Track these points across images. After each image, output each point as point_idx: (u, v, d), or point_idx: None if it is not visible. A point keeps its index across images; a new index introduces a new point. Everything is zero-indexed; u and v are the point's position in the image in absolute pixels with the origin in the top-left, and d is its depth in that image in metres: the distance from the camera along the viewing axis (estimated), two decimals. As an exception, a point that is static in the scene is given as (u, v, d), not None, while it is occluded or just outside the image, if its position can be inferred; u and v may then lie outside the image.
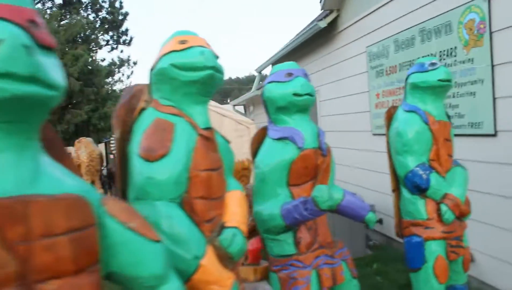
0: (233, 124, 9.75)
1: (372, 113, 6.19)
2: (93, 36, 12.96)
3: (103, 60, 14.20)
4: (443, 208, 2.98)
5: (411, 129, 3.05)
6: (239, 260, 2.07)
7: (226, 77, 2.21)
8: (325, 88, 7.71)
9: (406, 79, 3.26)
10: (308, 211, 2.50)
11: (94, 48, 13.05)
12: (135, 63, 15.27)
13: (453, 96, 4.41)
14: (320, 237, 2.73)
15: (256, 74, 11.39)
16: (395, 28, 5.41)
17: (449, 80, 3.06)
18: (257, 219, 2.77)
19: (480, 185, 4.14)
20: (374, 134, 6.15)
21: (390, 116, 3.31)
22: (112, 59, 14.39)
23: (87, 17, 12.21)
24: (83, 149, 6.96)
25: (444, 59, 4.51)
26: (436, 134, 3.05)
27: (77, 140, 7.17)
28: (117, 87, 17.27)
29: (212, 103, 10.20)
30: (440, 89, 3.07)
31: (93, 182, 7.00)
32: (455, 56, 4.35)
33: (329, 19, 6.89)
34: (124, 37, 13.68)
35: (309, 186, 2.73)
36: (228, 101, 16.11)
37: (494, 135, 3.93)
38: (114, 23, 13.01)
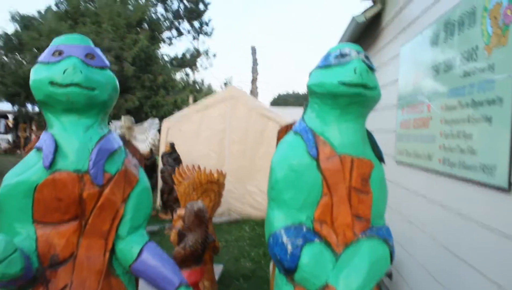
0: (277, 127, 8.71)
1: (397, 133, 4.74)
2: (174, 23, 12.78)
3: (188, 51, 13.96)
4: (313, 309, 1.70)
5: (283, 163, 1.81)
6: None
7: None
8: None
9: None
10: None
11: (173, 37, 12.85)
12: (214, 55, 14.84)
13: (468, 121, 2.91)
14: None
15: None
16: (423, 22, 3.96)
17: (361, 85, 1.74)
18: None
19: (480, 262, 2.66)
20: (397, 162, 4.69)
21: (282, 138, 2.06)
22: (189, 49, 14.13)
23: (169, 6, 12.07)
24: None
25: (464, 64, 3.02)
26: (330, 178, 1.77)
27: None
28: (191, 77, 17.24)
29: (259, 104, 9.24)
30: (345, 99, 1.78)
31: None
32: (475, 60, 2.86)
33: (370, 12, 5.51)
34: (205, 28, 13.25)
35: (71, 229, 1.73)
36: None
37: (507, 190, 2.41)
38: (195, 13, 12.67)
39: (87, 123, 1.81)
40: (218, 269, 5.44)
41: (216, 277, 5.17)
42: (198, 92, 17.22)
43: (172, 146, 8.57)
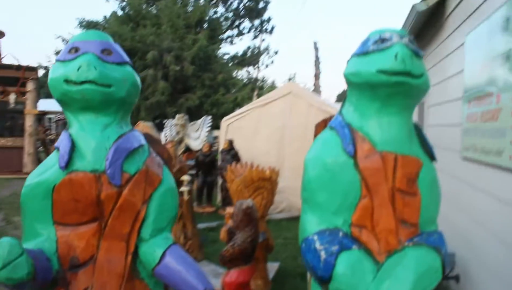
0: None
1: (463, 128, 4.37)
2: (236, 22, 12.86)
3: (249, 49, 14.02)
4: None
5: (316, 162, 1.65)
6: None
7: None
8: (432, 91, 5.92)
9: (347, 68, 1.79)
10: None
11: (233, 36, 12.96)
12: (276, 52, 14.75)
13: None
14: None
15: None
16: (492, 5, 3.60)
17: (403, 73, 1.54)
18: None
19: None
20: (464, 158, 4.34)
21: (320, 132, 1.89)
22: (249, 47, 14.18)
23: (229, 6, 12.16)
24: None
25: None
26: (370, 178, 1.59)
27: (137, 123, 6.86)
28: (253, 74, 17.36)
29: (319, 100, 9.00)
30: (385, 89, 1.58)
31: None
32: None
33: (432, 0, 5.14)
34: (266, 25, 13.20)
35: (91, 231, 1.68)
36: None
37: None
38: (255, 11, 12.63)
39: (104, 121, 1.74)
40: (273, 267, 5.32)
41: (271, 275, 5.05)
42: (261, 89, 17.26)
43: (230, 143, 8.57)
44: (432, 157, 1.71)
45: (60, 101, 1.75)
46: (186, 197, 5.47)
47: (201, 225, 7.27)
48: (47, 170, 1.69)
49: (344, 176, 1.60)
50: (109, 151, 1.68)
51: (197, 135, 5.88)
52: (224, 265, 4.01)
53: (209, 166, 8.64)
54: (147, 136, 1.94)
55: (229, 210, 4.19)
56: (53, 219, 1.68)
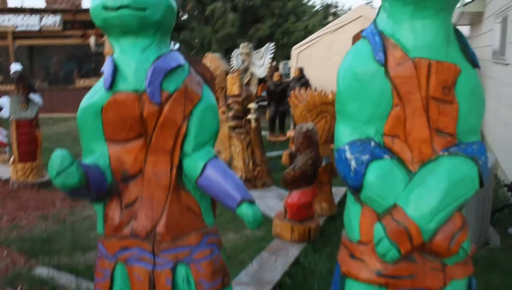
0: None
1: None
2: None
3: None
4: (377, 232, 1.57)
5: (347, 73, 1.65)
6: None
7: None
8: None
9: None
10: None
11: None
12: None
13: None
14: (140, 221, 1.86)
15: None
16: None
17: None
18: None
19: None
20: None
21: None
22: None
23: None
24: (208, 65, 6.76)
25: None
26: (402, 87, 1.57)
27: (205, 55, 6.97)
28: (326, 0, 16.58)
29: (368, 9, 8.52)
30: None
31: (217, 99, 6.81)
32: None
33: None
34: None
35: (138, 146, 1.87)
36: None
37: None
38: None
39: (144, 44, 1.82)
40: (340, 191, 5.40)
41: (338, 199, 5.15)
42: (335, 15, 16.58)
43: (301, 70, 8.49)
44: (474, 64, 1.61)
45: (102, 28, 1.87)
46: (253, 124, 5.61)
47: (273, 153, 7.46)
48: (96, 93, 1.86)
49: (375, 85, 1.57)
50: (148, 71, 1.79)
51: (261, 63, 5.90)
52: (286, 187, 4.16)
53: (280, 95, 8.69)
54: (188, 57, 2.02)
55: (290, 133, 4.25)
56: (104, 137, 1.86)
